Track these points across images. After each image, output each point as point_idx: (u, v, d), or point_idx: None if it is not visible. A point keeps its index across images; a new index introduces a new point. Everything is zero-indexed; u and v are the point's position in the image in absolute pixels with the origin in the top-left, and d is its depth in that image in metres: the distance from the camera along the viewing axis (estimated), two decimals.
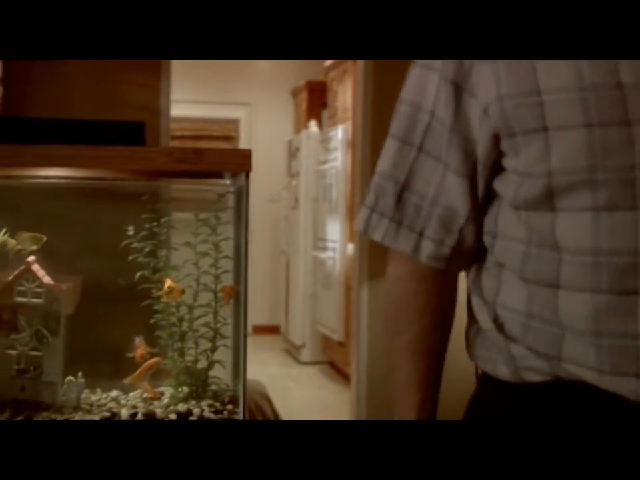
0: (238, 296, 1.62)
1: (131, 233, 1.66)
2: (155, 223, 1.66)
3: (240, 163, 1.51)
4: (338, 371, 6.68)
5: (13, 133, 1.59)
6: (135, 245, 1.66)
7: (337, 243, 6.50)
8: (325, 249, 6.85)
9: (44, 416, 1.56)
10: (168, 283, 1.65)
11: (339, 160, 6.49)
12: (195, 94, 7.74)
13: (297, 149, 7.26)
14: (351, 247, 6.21)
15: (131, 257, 1.67)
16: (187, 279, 1.69)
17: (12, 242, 1.63)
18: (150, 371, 1.63)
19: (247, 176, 1.52)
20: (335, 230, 6.58)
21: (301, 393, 6.05)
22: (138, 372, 1.63)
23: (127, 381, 1.65)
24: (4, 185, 1.73)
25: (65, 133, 1.59)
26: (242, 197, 1.55)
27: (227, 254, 1.67)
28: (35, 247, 1.64)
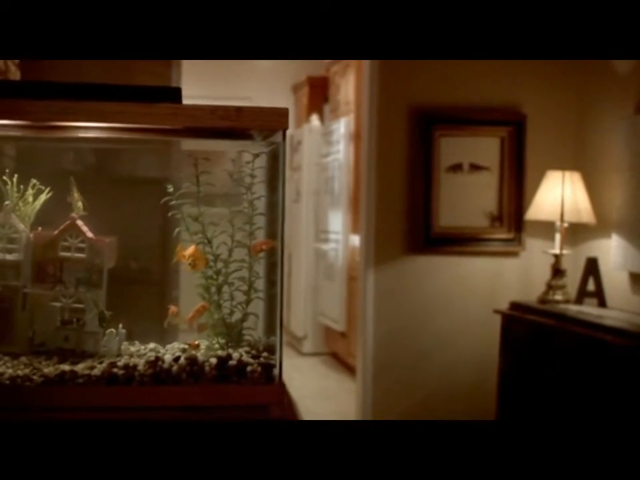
0: (274, 250, 1.70)
1: (170, 190, 1.74)
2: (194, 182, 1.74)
3: (278, 120, 1.60)
4: (340, 362, 6.75)
5: (61, 96, 1.66)
6: (174, 202, 1.74)
7: (340, 235, 6.59)
8: (327, 240, 6.93)
9: (88, 362, 1.64)
10: (192, 252, 1.73)
11: (341, 152, 6.58)
12: (196, 89, 7.80)
13: (299, 143, 7.35)
14: (352, 238, 6.30)
15: (170, 214, 1.75)
16: (222, 236, 1.77)
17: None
18: (200, 314, 1.71)
19: (284, 133, 1.61)
20: (337, 221, 6.66)
21: (304, 382, 6.12)
22: (191, 314, 1.71)
23: (179, 322, 1.72)
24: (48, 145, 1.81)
25: (109, 95, 1.67)
26: (279, 153, 1.63)
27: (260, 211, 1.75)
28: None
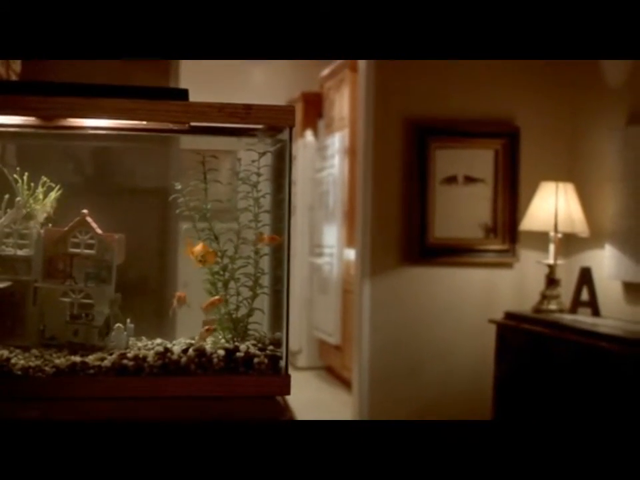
0: (280, 247, 1.74)
1: (178, 187, 1.78)
2: (201, 179, 1.78)
3: (285, 117, 1.64)
4: (334, 375, 6.77)
5: (70, 95, 1.70)
6: (181, 199, 1.78)
7: (334, 249, 6.63)
8: (321, 254, 6.97)
9: (98, 354, 1.67)
10: (201, 249, 1.77)
11: (335, 167, 6.63)
12: None
13: (294, 158, 7.40)
14: (347, 252, 6.34)
15: (177, 211, 1.79)
16: (228, 233, 1.81)
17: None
18: (215, 305, 1.74)
19: (291, 130, 1.65)
20: (331, 236, 6.70)
21: (299, 395, 6.10)
22: (209, 302, 1.74)
23: (202, 306, 1.75)
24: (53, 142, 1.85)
25: (118, 94, 1.71)
26: (285, 151, 1.67)
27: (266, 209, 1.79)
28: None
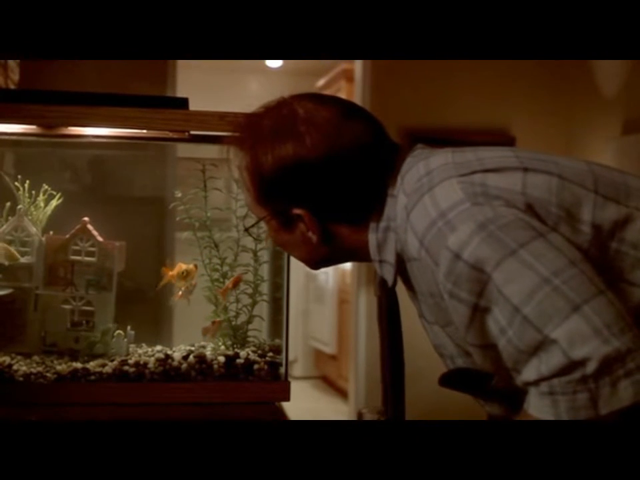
0: (280, 253, 1.75)
1: (179, 195, 1.79)
2: (202, 187, 1.79)
3: None
4: (330, 385, 6.77)
5: (72, 104, 1.72)
6: (182, 207, 1.80)
7: None
8: None
9: (99, 360, 1.68)
10: (182, 267, 1.78)
11: None
12: None
13: None
14: None
15: (178, 218, 1.80)
16: (228, 241, 1.82)
17: None
18: (235, 287, 1.75)
19: None
20: None
21: (294, 404, 6.12)
22: (224, 287, 1.75)
23: (220, 291, 1.76)
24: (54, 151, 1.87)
25: (119, 103, 1.73)
26: None
27: None
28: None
